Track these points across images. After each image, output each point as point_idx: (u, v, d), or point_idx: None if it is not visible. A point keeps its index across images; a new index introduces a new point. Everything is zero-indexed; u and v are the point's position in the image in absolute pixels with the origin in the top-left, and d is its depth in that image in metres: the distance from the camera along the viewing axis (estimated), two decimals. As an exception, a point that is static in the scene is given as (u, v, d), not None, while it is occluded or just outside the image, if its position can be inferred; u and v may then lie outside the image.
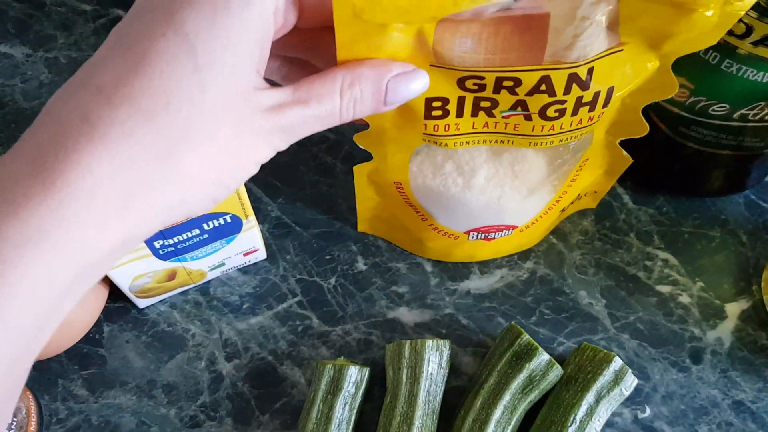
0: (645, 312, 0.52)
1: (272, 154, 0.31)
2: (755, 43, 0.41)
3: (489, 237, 0.50)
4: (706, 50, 0.43)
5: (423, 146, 0.44)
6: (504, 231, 0.49)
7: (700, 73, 0.45)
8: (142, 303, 0.51)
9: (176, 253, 0.46)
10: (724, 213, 0.56)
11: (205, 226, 0.45)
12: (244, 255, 0.51)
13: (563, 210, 0.51)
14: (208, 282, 0.53)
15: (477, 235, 0.50)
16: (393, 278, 0.53)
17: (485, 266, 0.54)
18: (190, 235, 0.45)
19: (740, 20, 0.40)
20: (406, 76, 0.34)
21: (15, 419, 0.44)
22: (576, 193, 0.50)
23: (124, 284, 0.47)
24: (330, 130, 0.59)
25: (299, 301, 0.52)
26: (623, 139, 0.45)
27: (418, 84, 0.35)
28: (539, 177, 0.46)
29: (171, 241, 0.45)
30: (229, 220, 0.46)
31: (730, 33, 0.41)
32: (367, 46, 0.35)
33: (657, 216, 0.56)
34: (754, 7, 0.39)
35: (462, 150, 0.44)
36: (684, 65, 0.44)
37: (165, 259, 0.46)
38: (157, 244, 0.44)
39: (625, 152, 0.47)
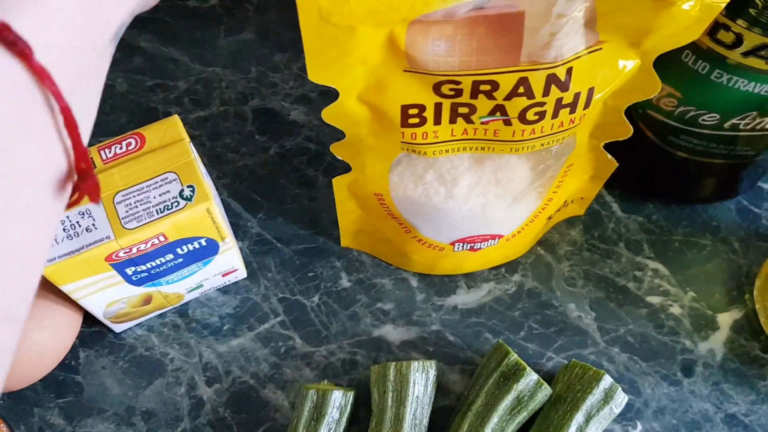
0: (635, 324, 0.51)
1: None
2: (745, 54, 0.39)
3: (475, 248, 0.49)
4: (695, 60, 0.42)
5: (403, 155, 0.43)
6: (490, 240, 0.48)
7: (689, 83, 0.44)
8: (118, 327, 0.49)
9: (150, 278, 0.45)
10: (716, 220, 0.55)
11: (179, 250, 0.43)
12: (223, 275, 0.49)
13: (550, 218, 0.50)
14: (187, 303, 0.51)
15: (463, 246, 0.48)
16: (378, 295, 0.52)
17: (472, 280, 0.52)
18: (163, 260, 0.43)
19: (729, 30, 0.39)
20: None
21: (-14, 454, 0.43)
22: (562, 199, 0.49)
23: (97, 311, 0.45)
24: (311, 140, 0.58)
25: (281, 321, 0.51)
26: (607, 142, 0.44)
27: None
28: (523, 184, 0.44)
29: (143, 267, 0.43)
30: (204, 243, 0.44)
31: (719, 43, 0.40)
32: (336, 51, 0.34)
33: (646, 224, 0.54)
34: (744, 17, 0.38)
35: (443, 158, 0.43)
36: (672, 75, 0.43)
37: (139, 285, 0.45)
38: (129, 271, 0.43)
39: (609, 156, 0.46)
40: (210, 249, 0.45)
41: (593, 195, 0.51)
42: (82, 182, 0.24)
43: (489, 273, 0.53)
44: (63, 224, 0.40)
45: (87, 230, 0.39)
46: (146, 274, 0.44)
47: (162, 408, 0.48)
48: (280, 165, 0.57)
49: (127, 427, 0.47)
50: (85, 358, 0.50)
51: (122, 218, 0.40)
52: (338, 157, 0.43)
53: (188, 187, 0.41)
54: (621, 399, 0.45)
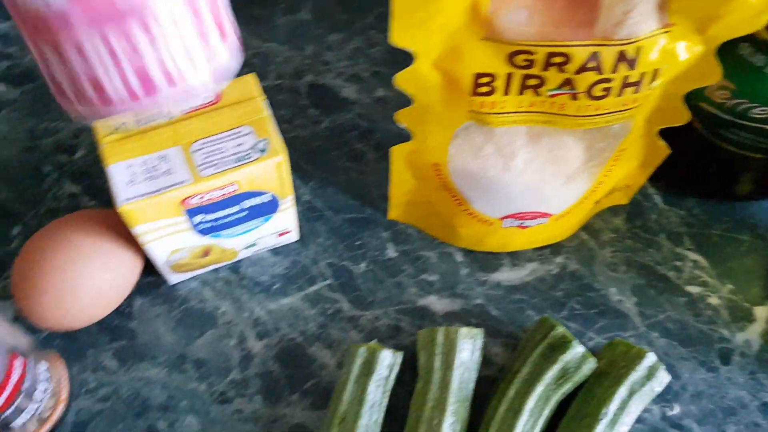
0: (674, 311, 0.52)
1: None
2: (803, 46, 0.41)
3: (524, 225, 0.50)
4: (753, 52, 0.43)
5: (462, 128, 0.44)
6: (540, 218, 0.49)
7: (744, 75, 0.45)
8: (174, 278, 0.51)
9: (214, 229, 0.46)
10: (755, 218, 0.56)
11: (245, 203, 0.45)
12: (278, 236, 0.51)
13: (597, 202, 0.52)
14: (239, 261, 0.53)
15: (512, 222, 0.50)
16: (423, 266, 0.53)
17: (516, 258, 0.54)
18: (230, 211, 0.45)
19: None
20: None
21: (50, 384, 0.44)
22: (611, 184, 0.50)
23: (160, 258, 0.47)
24: (362, 117, 0.59)
25: (329, 285, 0.53)
26: (662, 127, 0.46)
27: None
28: (578, 163, 0.46)
29: (211, 217, 0.45)
30: (269, 199, 0.46)
31: (777, 35, 0.41)
32: (422, 13, 0.35)
33: (687, 218, 0.56)
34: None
35: (501, 132, 0.44)
36: (727, 66, 0.44)
37: (203, 235, 0.46)
38: (197, 219, 0.44)
39: (662, 141, 0.47)
40: (272, 205, 0.46)
41: (640, 183, 0.53)
42: None
43: (533, 253, 0.54)
44: (143, 166, 0.41)
45: (165, 173, 0.41)
46: (212, 224, 0.45)
47: (213, 357, 0.50)
48: (331, 138, 0.59)
49: (179, 373, 0.49)
50: (140, 306, 0.51)
51: (199, 165, 0.41)
52: (389, 135, 0.44)
53: (263, 140, 0.42)
54: (663, 378, 0.46)
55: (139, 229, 0.43)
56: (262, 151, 0.42)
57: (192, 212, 0.43)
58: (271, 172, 0.43)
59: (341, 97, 0.61)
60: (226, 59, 0.25)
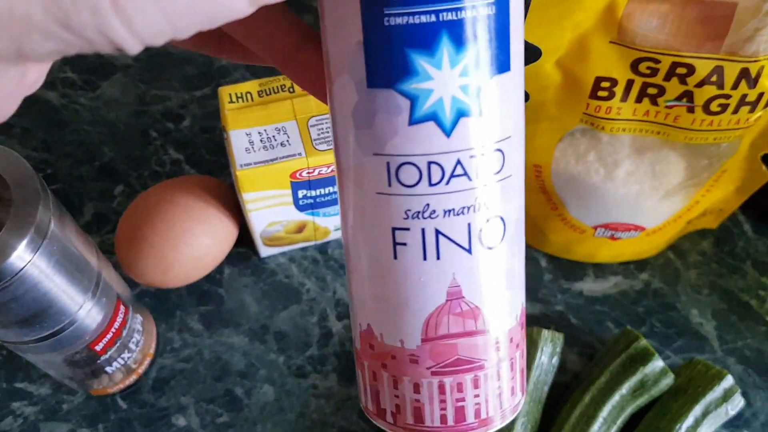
0: (753, 339, 0.52)
1: None
2: None
3: (615, 236, 0.50)
4: None
5: (568, 134, 0.45)
6: (632, 231, 0.50)
7: None
8: (265, 251, 0.52)
9: (313, 206, 0.48)
10: None
11: None
12: None
13: (689, 222, 0.52)
14: (327, 242, 0.54)
15: (604, 232, 0.50)
16: (506, 268, 0.54)
17: (600, 270, 0.54)
18: (332, 190, 0.46)
19: None
20: None
21: (142, 339, 0.46)
22: (706, 205, 0.50)
23: (258, 228, 0.48)
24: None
25: (413, 275, 0.53)
26: (765, 153, 0.46)
27: None
28: (677, 180, 0.46)
29: (313, 193, 0.46)
30: None
31: None
32: (559, 10, 0.36)
33: (776, 249, 0.56)
34: None
35: (606, 141, 0.45)
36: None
37: (302, 211, 0.48)
38: (300, 194, 0.46)
39: (764, 167, 0.47)
40: None
41: (732, 208, 0.53)
42: None
43: (618, 267, 0.54)
44: (261, 136, 0.43)
45: (282, 144, 0.43)
46: (312, 201, 0.47)
47: (294, 332, 0.51)
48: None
49: (260, 343, 0.50)
50: (229, 275, 0.53)
51: (314, 140, 0.43)
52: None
53: None
54: (738, 401, 0.46)
55: (247, 196, 0.44)
56: None
57: (298, 186, 0.45)
58: None
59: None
60: (522, 395, 0.29)
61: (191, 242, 0.47)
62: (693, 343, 0.52)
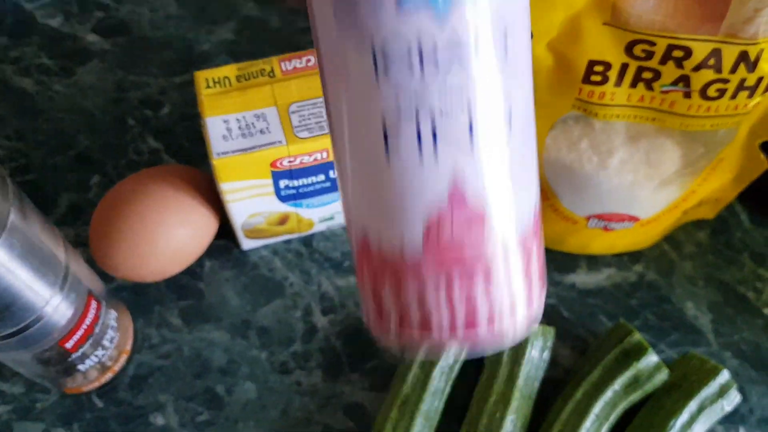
0: (750, 333, 0.50)
1: None
2: None
3: (609, 227, 0.49)
4: None
5: (559, 121, 0.43)
6: (626, 222, 0.48)
7: None
8: (246, 244, 0.50)
9: (296, 197, 0.46)
10: (844, 247, 0.54)
11: (331, 173, 0.44)
12: None
13: (685, 212, 0.50)
14: (312, 235, 0.52)
15: (597, 223, 0.49)
16: (496, 260, 0.52)
17: (593, 262, 0.53)
18: (314, 179, 0.44)
19: None
20: None
21: (117, 335, 0.44)
22: (702, 194, 0.49)
23: (238, 219, 0.47)
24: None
25: (400, 268, 0.52)
26: (764, 141, 0.44)
27: None
28: (673, 169, 0.45)
29: (295, 183, 0.44)
30: None
31: None
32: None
33: (773, 240, 0.54)
34: None
35: (600, 128, 0.43)
36: None
37: (284, 201, 0.46)
38: (282, 184, 0.44)
39: (762, 155, 0.45)
40: None
41: (729, 198, 0.51)
42: None
43: (611, 258, 0.53)
44: (239, 122, 0.41)
45: (261, 132, 0.41)
46: (294, 191, 0.45)
47: (277, 327, 0.49)
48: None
49: (241, 339, 0.49)
50: (210, 268, 0.51)
51: (295, 127, 0.41)
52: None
53: None
54: (734, 397, 0.45)
55: (225, 186, 0.42)
56: None
57: (279, 175, 0.43)
58: None
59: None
60: (539, 306, 0.26)
61: (167, 235, 0.45)
62: (688, 336, 0.50)
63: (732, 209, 0.55)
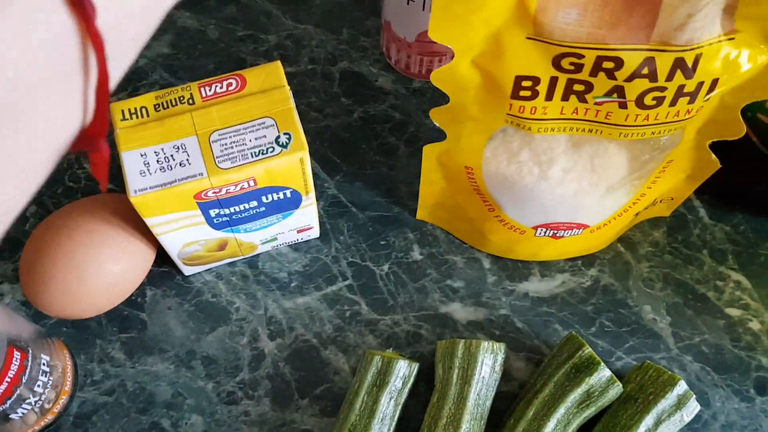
0: (711, 335, 0.49)
1: None
2: None
3: (557, 235, 0.47)
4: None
5: (499, 131, 0.42)
6: (575, 230, 0.47)
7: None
8: (188, 270, 0.49)
9: (230, 223, 0.44)
10: (805, 239, 0.52)
11: (264, 198, 0.43)
12: (298, 232, 0.49)
13: (637, 214, 0.49)
14: (257, 255, 0.51)
15: (545, 232, 0.47)
16: (449, 271, 0.51)
17: (546, 269, 0.51)
18: (247, 206, 0.43)
19: None
20: None
21: (51, 377, 0.43)
22: (654, 196, 0.47)
23: (173, 250, 0.45)
24: (396, 109, 0.57)
25: (349, 285, 0.50)
26: (713, 140, 0.42)
27: None
28: (620, 174, 0.43)
29: (227, 211, 0.43)
30: (289, 195, 0.43)
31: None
32: (464, 7, 0.33)
33: (733, 234, 0.53)
34: None
35: (540, 138, 0.41)
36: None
37: (218, 229, 0.44)
38: (212, 213, 0.42)
39: (713, 155, 0.44)
40: (293, 202, 0.44)
41: (684, 196, 0.49)
42: (93, 150, 0.23)
43: (565, 264, 0.51)
44: (157, 156, 0.39)
45: (181, 165, 0.39)
46: (228, 218, 0.43)
47: (223, 355, 0.48)
48: (362, 130, 0.56)
49: (186, 370, 0.47)
50: (152, 297, 0.49)
51: (216, 157, 0.39)
52: (424, 128, 0.42)
53: (285, 134, 0.40)
54: (693, 407, 0.44)
55: (150, 221, 0.41)
56: (284, 146, 0.40)
57: (207, 206, 0.41)
58: (294, 167, 0.41)
59: (376, 87, 0.58)
60: None
61: (99, 271, 0.43)
62: (647, 341, 0.49)
63: (689, 204, 0.53)
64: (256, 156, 0.39)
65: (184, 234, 0.44)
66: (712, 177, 0.47)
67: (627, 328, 0.49)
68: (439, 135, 0.44)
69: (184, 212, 0.41)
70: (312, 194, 0.45)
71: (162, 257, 0.49)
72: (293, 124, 0.41)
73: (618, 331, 0.49)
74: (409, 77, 0.58)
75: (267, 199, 0.43)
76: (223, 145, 0.40)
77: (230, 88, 0.41)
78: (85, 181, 0.53)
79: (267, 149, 0.40)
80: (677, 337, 0.49)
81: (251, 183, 0.40)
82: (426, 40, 0.53)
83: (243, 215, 0.44)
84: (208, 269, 0.50)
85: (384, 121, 0.57)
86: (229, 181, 0.39)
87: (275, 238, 0.49)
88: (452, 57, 0.36)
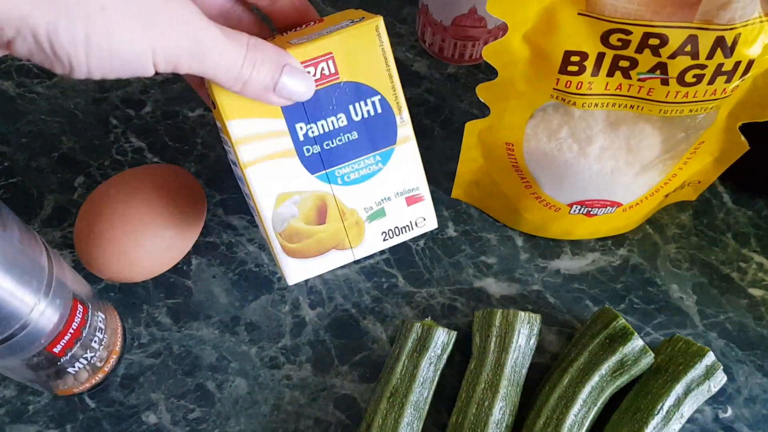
0: (735, 313, 0.51)
1: (161, 63, 0.31)
2: None
3: (591, 212, 0.49)
4: None
5: (539, 110, 0.43)
6: (608, 207, 0.48)
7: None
8: (292, 275, 0.42)
9: (322, 158, 0.40)
10: (826, 225, 0.54)
11: (351, 111, 0.39)
12: (407, 201, 0.43)
13: (667, 196, 0.51)
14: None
15: (579, 209, 0.49)
16: (482, 248, 0.53)
17: (577, 248, 0.53)
18: (335, 122, 0.39)
19: None
20: (300, 72, 0.35)
21: (105, 336, 0.44)
22: (684, 178, 0.49)
23: (266, 207, 0.40)
24: (431, 93, 0.59)
25: (386, 259, 0.52)
26: (744, 123, 0.44)
27: (304, 86, 0.36)
28: (654, 154, 0.45)
29: (315, 130, 0.39)
30: (379, 107, 0.39)
31: None
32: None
33: (755, 219, 0.55)
34: None
35: (579, 116, 0.43)
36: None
37: (311, 170, 0.40)
38: (299, 131, 0.38)
39: (742, 137, 0.46)
40: (386, 124, 0.40)
41: (711, 180, 0.51)
42: None
43: (595, 243, 0.53)
44: None
45: None
46: (318, 146, 0.39)
47: (266, 322, 0.49)
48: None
49: (230, 335, 0.49)
50: (197, 266, 0.51)
51: (290, 41, 0.37)
52: (458, 113, 0.43)
53: (359, 19, 0.38)
54: (720, 378, 0.45)
55: (235, 130, 0.37)
56: (358, 21, 0.37)
57: (292, 115, 0.38)
58: (371, 44, 0.37)
59: (412, 71, 0.60)
60: None
61: (152, 236, 0.45)
62: (674, 318, 0.51)
63: (714, 190, 0.55)
64: (329, 32, 0.37)
65: (277, 173, 0.39)
66: (736, 164, 0.49)
67: (655, 306, 0.51)
68: (472, 119, 0.46)
69: (267, 119, 0.38)
70: (406, 115, 0.40)
71: (207, 228, 0.51)
72: (366, 14, 0.39)
73: (646, 308, 0.51)
74: (443, 62, 0.60)
75: (356, 113, 0.39)
76: (297, 34, 0.38)
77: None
78: (132, 154, 0.55)
79: (341, 27, 0.37)
80: (703, 314, 0.51)
81: (330, 66, 0.37)
82: (462, 24, 0.55)
83: (334, 142, 0.40)
84: (251, 239, 0.52)
85: (419, 104, 0.58)
86: (306, 55, 0.37)
87: (381, 209, 0.42)
88: (485, 42, 0.38)
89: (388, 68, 0.39)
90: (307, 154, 0.39)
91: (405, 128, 0.40)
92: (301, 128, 0.39)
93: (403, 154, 0.41)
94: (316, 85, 0.37)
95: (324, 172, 0.40)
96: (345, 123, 0.39)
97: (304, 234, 0.41)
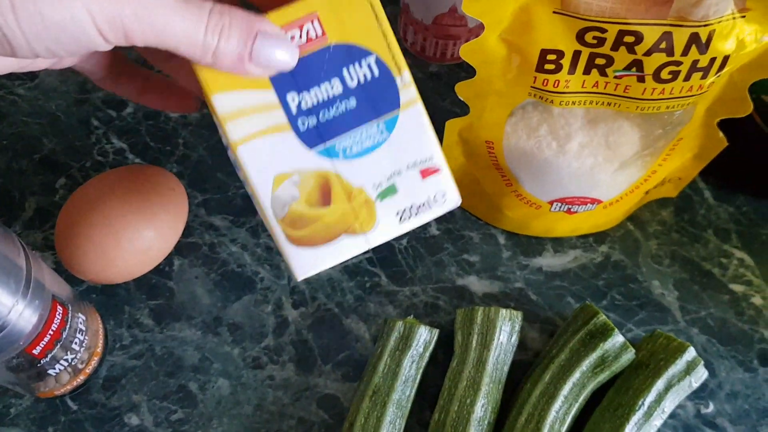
0: (716, 309, 0.51)
1: (108, 31, 0.27)
2: None
3: (572, 210, 0.49)
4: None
5: (518, 108, 0.44)
6: (589, 204, 0.49)
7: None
8: (301, 268, 0.37)
9: (320, 130, 0.36)
10: (806, 220, 0.55)
11: (346, 75, 0.35)
12: (422, 174, 0.37)
13: (647, 192, 0.51)
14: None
15: (560, 206, 0.49)
16: (465, 246, 0.53)
17: (559, 245, 0.53)
18: (330, 90, 0.35)
19: None
20: (278, 37, 0.31)
21: (86, 337, 0.44)
22: (663, 174, 0.49)
23: (263, 189, 0.36)
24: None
25: (369, 258, 0.52)
26: (722, 118, 0.45)
27: (284, 53, 0.32)
28: (632, 151, 0.45)
29: (309, 100, 0.35)
30: (375, 70, 0.35)
31: None
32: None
33: (736, 215, 0.55)
34: None
35: (558, 114, 0.44)
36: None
37: (308, 144, 0.36)
38: (291, 101, 0.35)
39: (721, 133, 0.46)
40: (386, 88, 0.35)
41: (691, 176, 0.52)
42: None
43: (576, 240, 0.53)
44: None
45: None
46: (315, 118, 0.35)
47: (248, 322, 0.49)
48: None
49: (213, 336, 0.49)
50: (179, 266, 0.51)
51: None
52: (440, 110, 0.43)
53: None
54: (701, 374, 0.46)
55: (221, 105, 0.34)
56: None
57: (281, 85, 0.34)
58: (359, 1, 0.34)
59: (390, 72, 0.60)
60: None
61: (133, 236, 0.45)
62: (655, 314, 0.51)
63: (695, 186, 0.56)
64: None
65: (271, 150, 0.35)
66: (718, 160, 0.49)
67: (636, 302, 0.51)
68: (454, 117, 0.46)
69: (255, 90, 0.34)
70: (408, 75, 0.35)
71: (188, 229, 0.51)
72: None
73: (628, 304, 0.51)
74: (425, 61, 0.60)
75: (351, 78, 0.35)
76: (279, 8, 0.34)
77: None
78: (113, 155, 0.55)
79: None
80: (684, 310, 0.51)
81: (317, 27, 0.34)
82: (443, 23, 0.56)
83: (331, 112, 0.36)
84: (233, 239, 0.52)
85: (401, 104, 0.58)
86: (287, 17, 0.33)
87: (392, 185, 0.37)
88: (466, 40, 0.38)
89: (380, 25, 0.35)
90: (302, 128, 0.35)
91: (408, 90, 0.36)
92: (293, 99, 0.35)
93: (410, 119, 0.36)
94: (304, 51, 0.34)
95: (323, 146, 0.36)
96: (340, 90, 0.35)
97: (308, 218, 0.36)
